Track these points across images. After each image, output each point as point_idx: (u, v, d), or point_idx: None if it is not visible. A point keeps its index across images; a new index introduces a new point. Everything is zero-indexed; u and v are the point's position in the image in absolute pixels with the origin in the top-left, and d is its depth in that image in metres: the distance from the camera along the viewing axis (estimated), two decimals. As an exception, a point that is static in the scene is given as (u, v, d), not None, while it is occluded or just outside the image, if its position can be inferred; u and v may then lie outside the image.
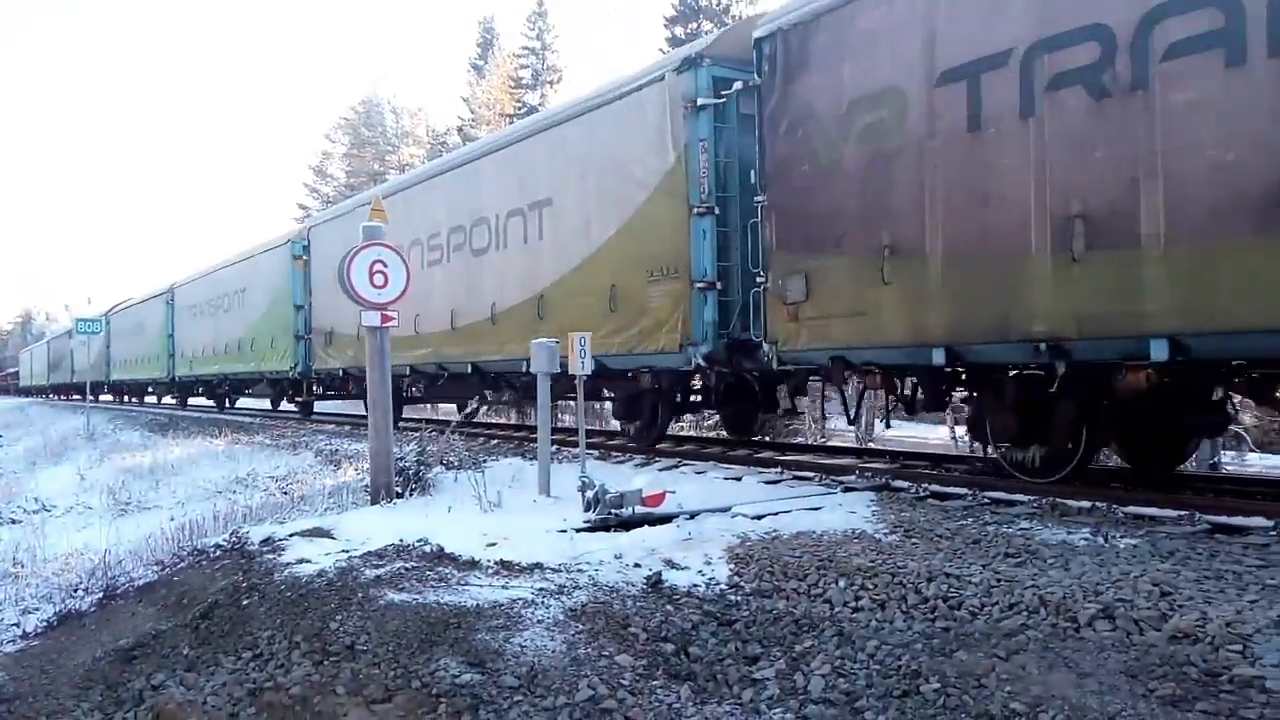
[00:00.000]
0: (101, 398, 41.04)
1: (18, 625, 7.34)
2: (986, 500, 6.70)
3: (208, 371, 25.80)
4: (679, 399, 11.14)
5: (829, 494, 7.16)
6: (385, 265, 8.04)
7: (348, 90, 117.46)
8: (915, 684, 3.65)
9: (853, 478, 7.79)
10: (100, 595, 7.17)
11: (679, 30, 31.40)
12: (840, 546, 5.22)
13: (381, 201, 9.91)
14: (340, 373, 17.31)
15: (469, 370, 13.01)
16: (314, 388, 19.97)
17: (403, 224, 13.77)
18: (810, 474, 8.31)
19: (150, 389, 35.28)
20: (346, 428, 17.18)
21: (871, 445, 13.30)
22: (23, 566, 9.25)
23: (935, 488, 7.18)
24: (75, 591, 7.67)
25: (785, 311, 8.11)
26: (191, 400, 30.96)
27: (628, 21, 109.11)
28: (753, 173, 8.54)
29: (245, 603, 5.25)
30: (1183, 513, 5.83)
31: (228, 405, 27.96)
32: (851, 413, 9.32)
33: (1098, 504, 6.21)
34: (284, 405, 24.48)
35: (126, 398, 39.70)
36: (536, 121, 12.46)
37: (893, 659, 3.85)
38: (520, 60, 41.97)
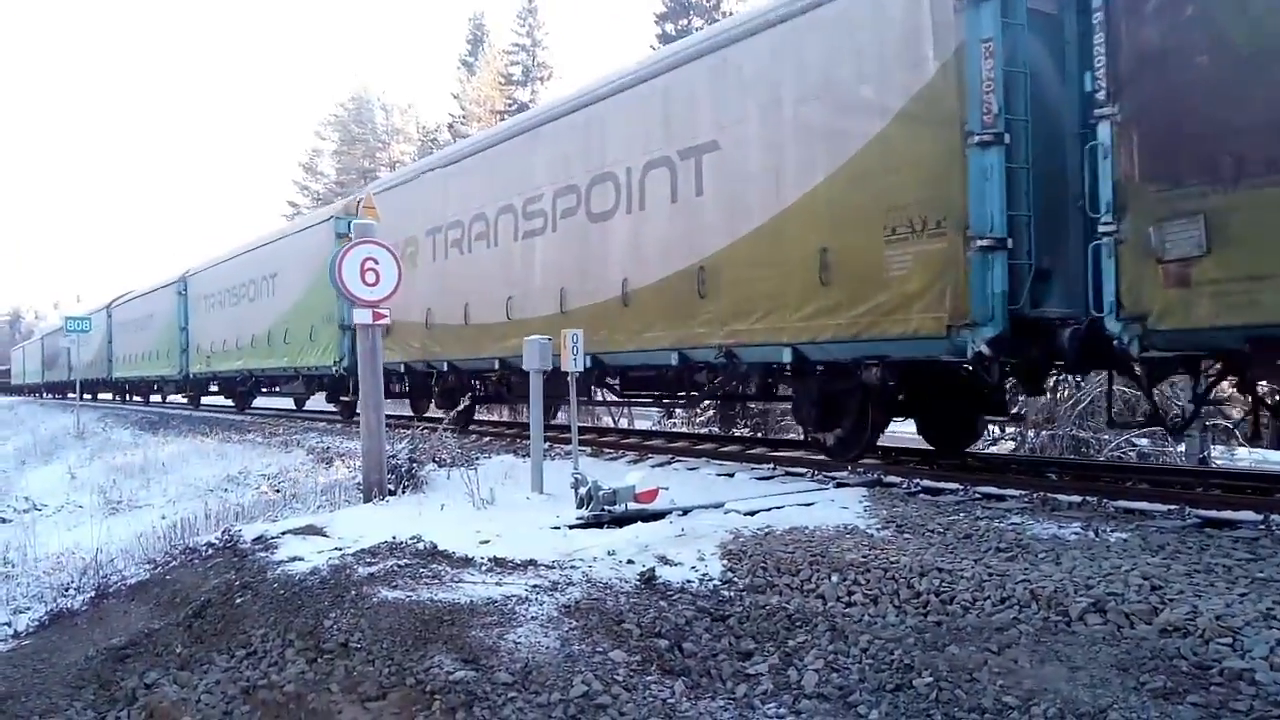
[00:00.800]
0: (101, 396, 39.97)
1: (9, 625, 7.32)
2: (978, 495, 6.74)
3: (228, 367, 23.22)
4: (896, 399, 8.68)
5: (821, 490, 7.18)
6: (377, 263, 8.04)
7: (338, 87, 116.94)
8: (908, 678, 3.67)
9: (845, 473, 7.81)
10: (92, 594, 7.15)
11: (669, 27, 31.35)
12: (833, 542, 5.24)
13: (374, 196, 10.16)
14: (401, 368, 14.80)
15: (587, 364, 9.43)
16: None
17: (482, 190, 12.42)
18: (803, 470, 8.33)
19: (158, 387, 32.52)
20: (338, 425, 17.06)
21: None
22: (14, 566, 9.21)
23: (927, 483, 7.21)
24: (67, 590, 7.65)
25: (1162, 272, 5.75)
26: (205, 399, 28.80)
27: (618, 18, 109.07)
28: (1088, 76, 6.30)
29: (238, 601, 5.24)
30: (1172, 507, 5.87)
31: (242, 405, 25.83)
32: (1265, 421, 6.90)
33: (1088, 498, 6.25)
34: (311, 404, 23.38)
35: (130, 397, 37.22)
36: (689, 46, 9.53)
37: (885, 653, 3.86)
38: (511, 57, 41.87)
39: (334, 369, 16.69)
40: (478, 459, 9.75)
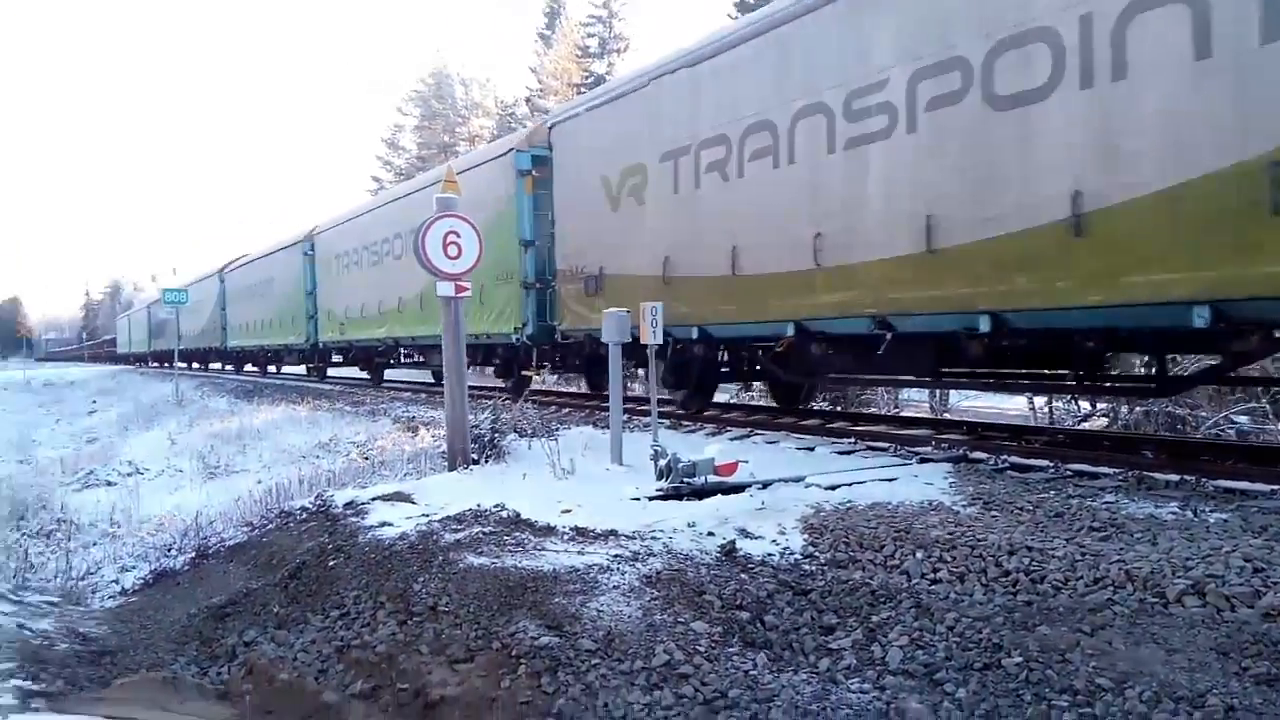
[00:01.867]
0: (211, 366, 39.45)
1: (117, 582, 7.73)
2: (1069, 473, 6.55)
3: (366, 335, 20.14)
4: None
5: (904, 465, 7.08)
6: (459, 236, 8.16)
7: (420, 64, 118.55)
8: (996, 657, 3.61)
9: (929, 449, 7.68)
10: (193, 555, 7.49)
11: (748, -5, 30.82)
12: (917, 518, 5.17)
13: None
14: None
15: (985, 327, 6.98)
16: (557, 357, 14.42)
17: (763, 89, 8.99)
18: (884, 445, 8.22)
19: (278, 357, 29.44)
20: (423, 395, 17.33)
21: (947, 415, 13.08)
22: (119, 527, 9.72)
23: (1015, 459, 7.04)
24: (169, 551, 8.04)
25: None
26: (331, 371, 26.20)
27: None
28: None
29: (331, 563, 5.42)
30: (1276, 487, 5.62)
31: (378, 378, 22.75)
32: None
33: (1186, 477, 6.03)
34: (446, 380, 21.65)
35: (243, 367, 34.84)
36: None
37: (973, 632, 3.80)
38: (587, 29, 41.75)
39: (514, 337, 13.67)
40: (557, 430, 9.86)
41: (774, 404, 12.68)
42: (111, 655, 5.20)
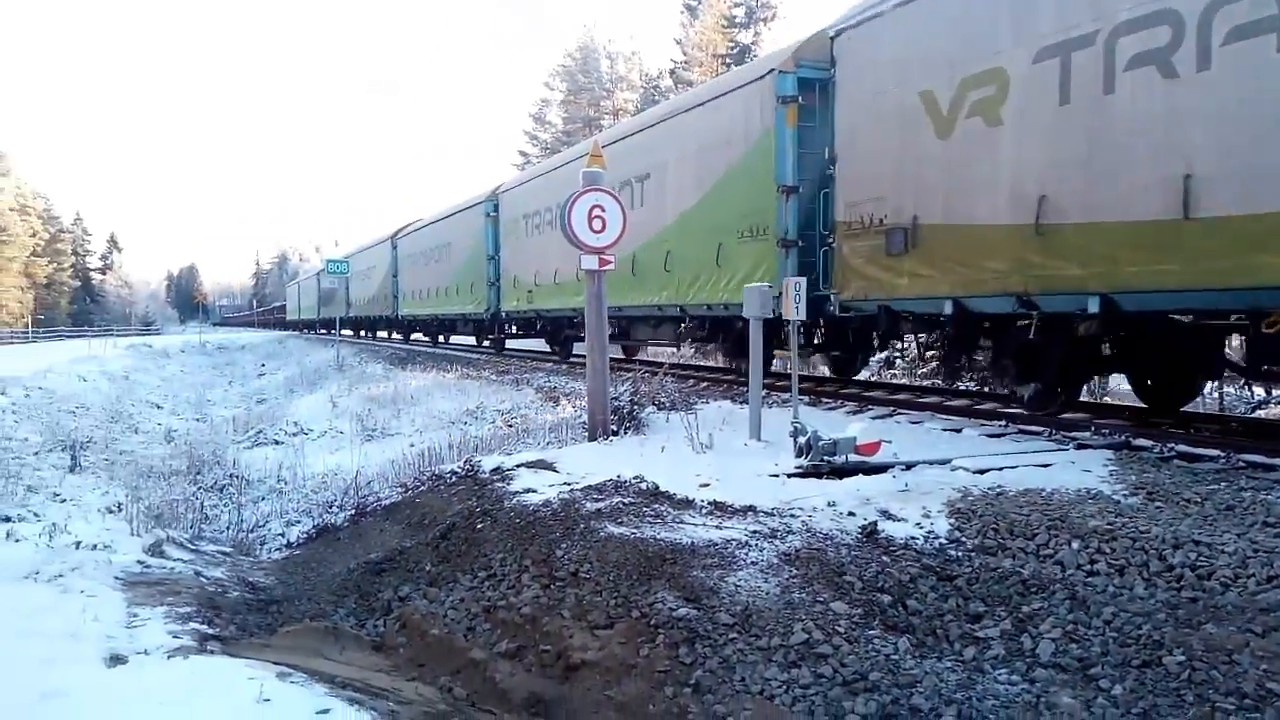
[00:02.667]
0: (379, 335, 39.16)
1: (283, 536, 8.29)
2: (1242, 464, 6.10)
3: (557, 305, 17.57)
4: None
5: (1060, 450, 6.75)
6: (604, 210, 8.29)
7: (568, 38, 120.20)
8: (1157, 655, 3.42)
9: (1087, 434, 7.29)
10: (352, 512, 7.94)
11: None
12: (1073, 506, 4.93)
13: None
14: (946, 307, 8.35)
15: None
16: (822, 335, 11.95)
17: None
18: (1038, 428, 7.85)
19: (452, 327, 27.64)
20: (564, 366, 17.54)
21: (1107, 400, 12.38)
22: (285, 484, 10.39)
23: (1182, 448, 6.60)
24: (330, 508, 8.55)
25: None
26: (511, 344, 24.19)
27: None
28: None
29: (479, 526, 5.64)
30: None
31: (566, 353, 19.57)
32: None
33: (1381, 474, 5.51)
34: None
35: (411, 336, 33.40)
36: None
37: (1132, 627, 3.62)
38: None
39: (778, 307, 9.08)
40: (695, 404, 9.89)
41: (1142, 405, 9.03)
42: (278, 604, 5.58)
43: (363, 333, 41.38)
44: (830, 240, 9.94)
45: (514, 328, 22.10)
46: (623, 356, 18.18)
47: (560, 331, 19.51)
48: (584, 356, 8.53)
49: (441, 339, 30.12)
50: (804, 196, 10.57)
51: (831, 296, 9.85)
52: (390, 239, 32.10)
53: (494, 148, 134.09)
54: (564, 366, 17.41)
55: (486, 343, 25.30)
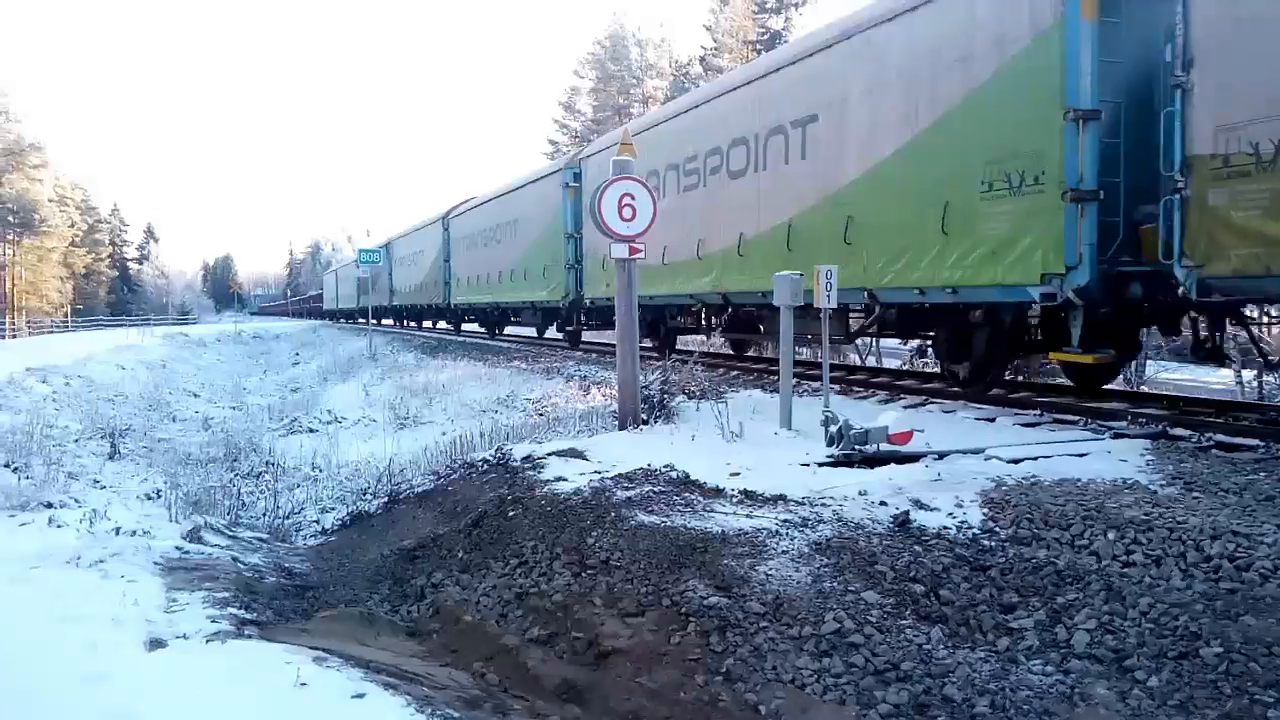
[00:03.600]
0: (426, 324, 36.53)
1: (318, 522, 8.39)
2: (1284, 454, 5.99)
3: (675, 290, 14.16)
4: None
5: (1096, 440, 6.66)
6: (634, 199, 8.26)
7: (597, 26, 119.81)
8: (1194, 646, 3.38)
9: (1124, 424, 7.19)
10: (385, 499, 8.01)
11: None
12: (1109, 496, 4.87)
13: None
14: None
15: None
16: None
17: None
18: (1073, 418, 7.76)
19: (518, 316, 23.87)
20: (594, 355, 17.53)
21: (1144, 389, 12.20)
22: (320, 471, 10.50)
23: (1221, 437, 6.50)
24: (364, 495, 8.63)
25: None
26: (589, 335, 20.41)
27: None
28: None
29: (511, 514, 5.67)
30: None
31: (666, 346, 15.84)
32: None
33: None
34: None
35: (460, 326, 30.69)
36: None
37: (1169, 618, 3.57)
38: (765, -15, 40.95)
39: (1045, 285, 7.47)
40: (725, 393, 9.87)
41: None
42: (314, 590, 5.65)
43: (408, 323, 38.81)
44: (1183, 186, 6.54)
45: (593, 319, 19.02)
46: (745, 353, 15.81)
47: (663, 321, 15.94)
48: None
49: (497, 330, 26.78)
50: (1105, 126, 7.33)
51: (1181, 271, 6.60)
52: (441, 219, 28.97)
53: (524, 137, 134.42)
54: (593, 355, 17.17)
55: (559, 334, 21.21)
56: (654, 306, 15.06)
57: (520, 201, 21.52)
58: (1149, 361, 14.45)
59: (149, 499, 8.54)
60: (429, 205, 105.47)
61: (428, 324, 36.20)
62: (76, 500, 8.01)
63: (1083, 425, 7.42)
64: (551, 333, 22.01)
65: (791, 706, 3.41)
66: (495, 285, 23.43)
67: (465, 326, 30.93)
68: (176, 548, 5.96)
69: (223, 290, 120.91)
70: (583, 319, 19.50)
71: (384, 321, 37.63)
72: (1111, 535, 4.33)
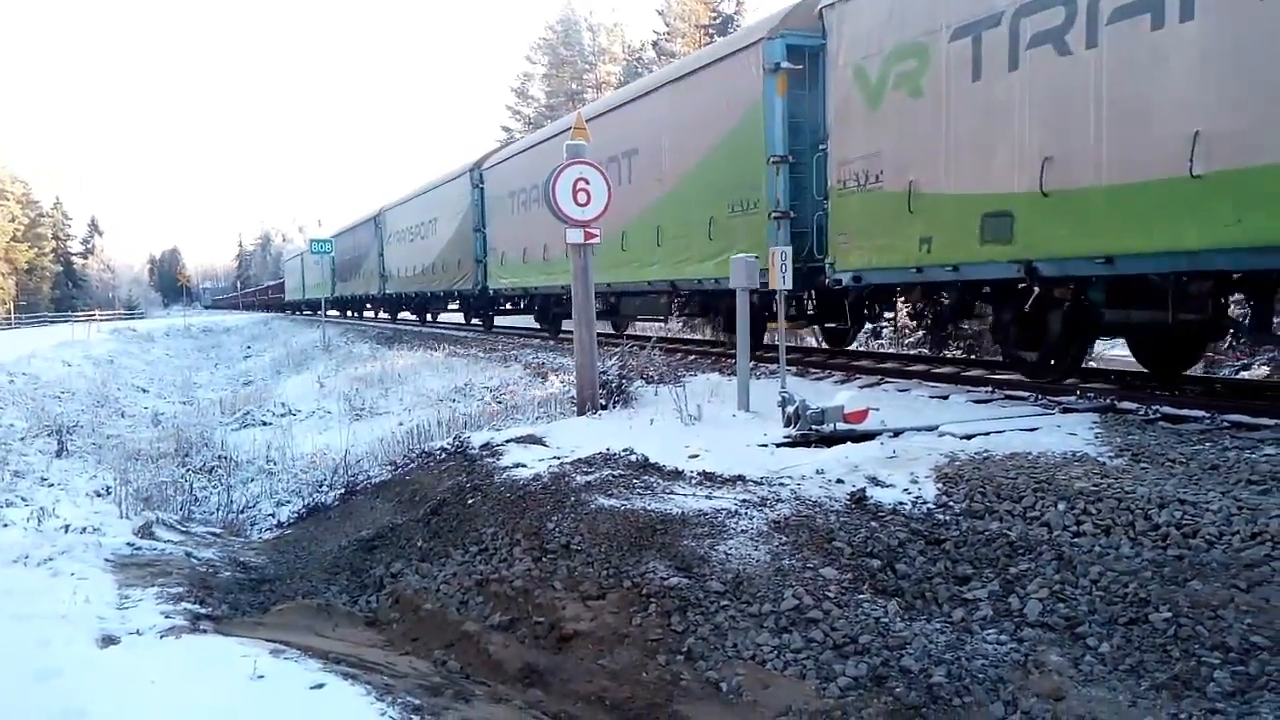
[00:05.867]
0: (393, 315, 31.45)
1: (273, 516, 8.29)
2: (1226, 424, 6.15)
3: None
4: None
5: (1046, 414, 6.79)
6: (588, 183, 8.22)
7: (548, 11, 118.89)
8: (1143, 612, 3.47)
9: (1072, 398, 7.34)
10: (342, 491, 7.94)
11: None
12: (1059, 469, 4.97)
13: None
14: None
15: None
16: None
17: None
18: (1024, 394, 7.90)
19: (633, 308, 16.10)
20: (551, 342, 17.45)
21: (1092, 364, 12.45)
22: (275, 464, 10.37)
23: (1167, 409, 6.66)
24: (320, 487, 8.54)
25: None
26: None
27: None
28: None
29: (470, 501, 5.65)
30: None
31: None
32: None
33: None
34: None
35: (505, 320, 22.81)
36: None
37: (1118, 586, 3.66)
38: (715, -31, 40.93)
39: None
40: (684, 376, 9.89)
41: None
42: (270, 583, 5.57)
43: (401, 315, 31.56)
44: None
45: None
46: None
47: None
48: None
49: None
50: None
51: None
52: (469, 172, 21.10)
53: (477, 123, 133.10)
54: (550, 343, 17.35)
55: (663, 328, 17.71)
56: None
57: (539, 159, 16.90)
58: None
59: (98, 496, 8.34)
60: (380, 194, 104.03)
61: (444, 317, 27.86)
62: (24, 499, 7.83)
63: (1033, 401, 7.56)
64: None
65: (752, 682, 3.44)
66: (534, 269, 17.54)
67: (500, 320, 23.46)
68: (128, 544, 5.85)
69: (170, 284, 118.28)
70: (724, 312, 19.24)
71: (368, 314, 35.49)
72: (1062, 506, 4.42)
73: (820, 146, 9.70)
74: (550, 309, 18.48)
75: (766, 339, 11.98)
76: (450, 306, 25.24)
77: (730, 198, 10.95)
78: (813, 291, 10.96)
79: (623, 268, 13.73)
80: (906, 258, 8.38)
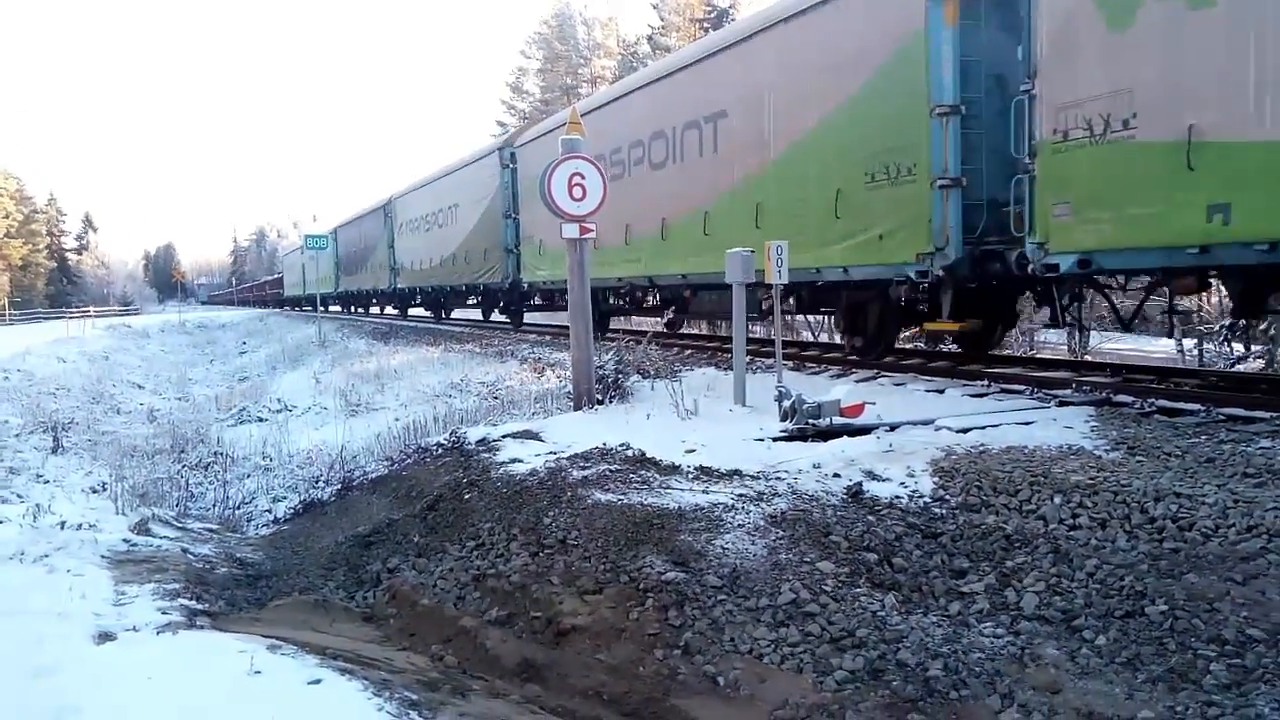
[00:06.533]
0: (403, 311, 29.48)
1: (269, 512, 8.28)
2: (1222, 417, 6.16)
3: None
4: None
5: (1042, 408, 6.80)
6: (584, 178, 8.21)
7: (542, 5, 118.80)
8: (1139, 605, 3.48)
9: (1068, 392, 7.35)
10: (339, 487, 7.93)
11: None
12: (1055, 462, 4.98)
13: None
14: None
15: None
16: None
17: None
18: (1020, 387, 7.91)
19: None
20: (547, 337, 17.38)
21: (1088, 358, 12.47)
22: (271, 460, 10.35)
23: (1163, 403, 6.66)
24: (317, 483, 8.53)
25: None
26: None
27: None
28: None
29: (466, 497, 5.64)
30: None
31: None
32: None
33: (1356, 424, 5.57)
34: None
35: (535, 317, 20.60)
36: None
37: (1115, 579, 3.67)
38: (711, -38, 40.82)
39: None
40: (680, 371, 9.89)
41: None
42: (266, 579, 5.57)
43: (411, 311, 29.70)
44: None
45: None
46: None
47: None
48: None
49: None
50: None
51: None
52: (498, 151, 19.01)
53: (471, 118, 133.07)
54: (548, 338, 17.27)
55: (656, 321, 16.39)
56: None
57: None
58: (1092, 332, 14.76)
59: (94, 492, 8.32)
60: (376, 190, 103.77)
61: (458, 314, 25.60)
62: (19, 495, 7.81)
63: (1029, 394, 7.57)
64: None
65: (749, 676, 3.44)
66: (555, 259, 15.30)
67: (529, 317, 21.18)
68: (124, 540, 5.83)
69: (165, 280, 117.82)
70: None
71: (375, 310, 34.26)
72: (1058, 500, 4.43)
73: (1023, 88, 7.26)
74: (598, 304, 14.45)
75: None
76: (469, 302, 22.56)
77: (870, 164, 8.68)
78: (951, 285, 8.45)
79: (704, 255, 11.19)
80: (1181, 233, 6.10)
